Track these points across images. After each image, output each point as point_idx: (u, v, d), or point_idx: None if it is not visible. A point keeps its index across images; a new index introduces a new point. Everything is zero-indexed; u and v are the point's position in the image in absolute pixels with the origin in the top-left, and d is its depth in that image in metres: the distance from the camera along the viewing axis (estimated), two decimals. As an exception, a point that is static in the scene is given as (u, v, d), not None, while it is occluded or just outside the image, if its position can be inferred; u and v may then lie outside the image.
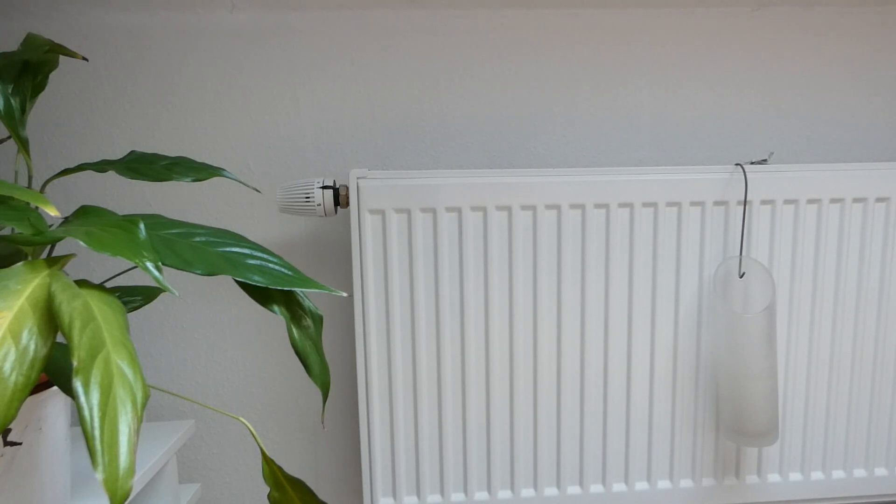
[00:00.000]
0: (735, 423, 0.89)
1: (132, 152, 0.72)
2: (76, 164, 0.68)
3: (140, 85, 0.93)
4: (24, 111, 0.66)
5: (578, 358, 0.89)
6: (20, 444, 0.57)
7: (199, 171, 0.69)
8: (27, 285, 0.47)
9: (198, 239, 0.61)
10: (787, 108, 1.00)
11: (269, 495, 0.68)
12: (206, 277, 0.97)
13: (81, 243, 0.49)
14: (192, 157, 0.72)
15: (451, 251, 0.86)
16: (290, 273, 0.62)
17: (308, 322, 0.65)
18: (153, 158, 0.70)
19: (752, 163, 0.91)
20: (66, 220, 0.59)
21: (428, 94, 0.96)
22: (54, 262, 0.52)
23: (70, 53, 0.68)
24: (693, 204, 0.88)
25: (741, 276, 0.89)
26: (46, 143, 0.93)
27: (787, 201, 0.89)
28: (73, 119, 0.93)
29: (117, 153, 0.93)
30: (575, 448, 0.92)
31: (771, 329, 0.86)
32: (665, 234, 0.88)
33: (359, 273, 0.85)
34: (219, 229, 0.64)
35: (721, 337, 0.89)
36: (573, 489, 0.93)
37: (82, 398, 0.42)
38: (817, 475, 0.96)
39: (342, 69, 0.94)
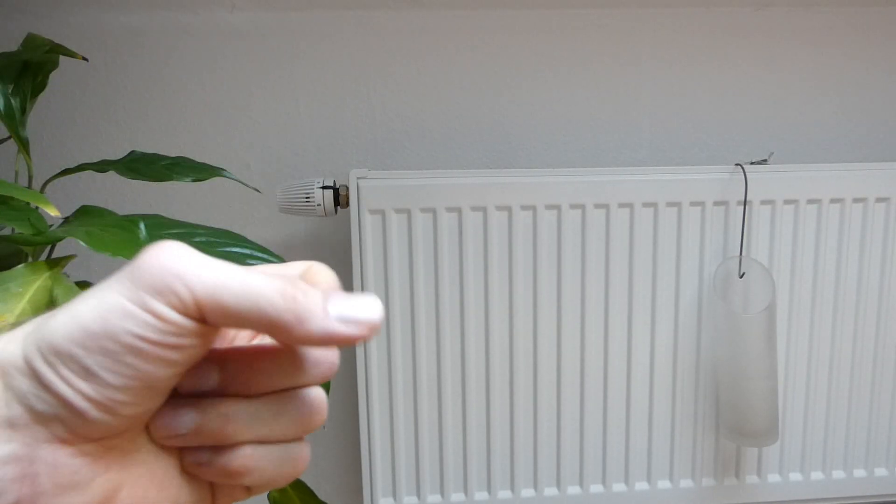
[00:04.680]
0: (735, 423, 0.89)
1: (132, 152, 0.72)
2: (76, 164, 0.68)
3: (140, 85, 0.93)
4: (24, 111, 0.66)
5: (578, 358, 0.89)
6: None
7: (199, 171, 0.69)
8: (28, 287, 0.47)
9: (198, 239, 0.61)
10: (787, 108, 1.00)
11: (268, 495, 0.68)
12: (206, 277, 0.97)
13: (82, 243, 0.49)
14: (192, 157, 0.72)
15: (451, 251, 0.86)
16: (290, 273, 0.62)
17: (308, 322, 0.65)
18: (153, 158, 0.70)
19: (752, 163, 0.91)
20: (67, 220, 0.59)
21: (428, 94, 0.96)
22: (55, 263, 0.52)
23: (70, 53, 0.68)
24: (693, 204, 0.88)
25: (741, 276, 0.89)
26: (46, 143, 0.93)
27: (787, 201, 0.89)
28: (73, 119, 0.93)
29: (117, 153, 0.93)
30: (575, 448, 0.92)
31: (771, 329, 0.86)
32: (665, 234, 0.88)
33: (359, 273, 0.85)
34: (219, 229, 0.64)
35: (721, 337, 0.88)
36: (573, 489, 0.93)
37: (83, 399, 0.42)
38: (817, 475, 0.96)
39: (342, 69, 0.94)
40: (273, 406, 0.24)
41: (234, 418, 0.24)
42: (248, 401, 0.24)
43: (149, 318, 0.21)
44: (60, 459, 0.22)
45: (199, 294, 0.21)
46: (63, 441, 0.22)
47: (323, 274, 0.27)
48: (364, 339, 0.23)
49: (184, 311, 0.21)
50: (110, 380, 0.21)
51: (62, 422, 0.21)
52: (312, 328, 0.22)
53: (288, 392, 0.25)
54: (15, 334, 0.23)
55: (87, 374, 0.21)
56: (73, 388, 0.21)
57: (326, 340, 0.23)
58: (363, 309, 0.23)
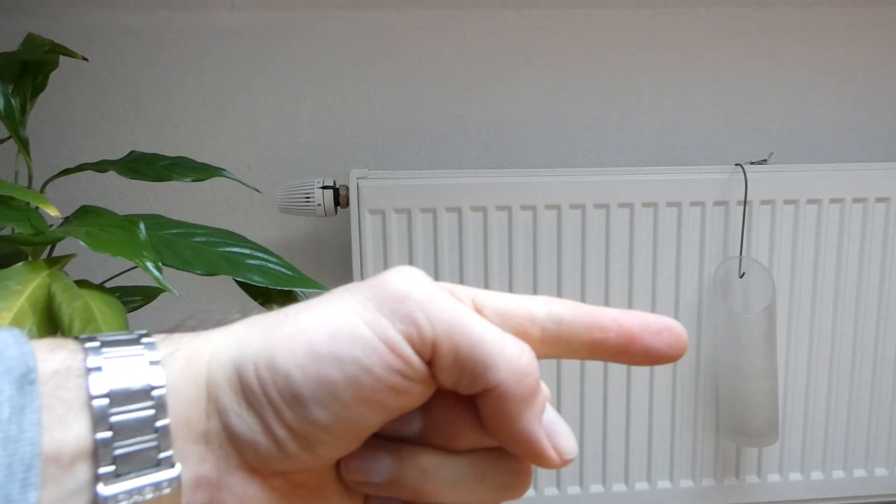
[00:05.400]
0: (735, 423, 0.89)
1: (132, 152, 0.72)
2: (76, 164, 0.68)
3: (140, 85, 0.93)
4: (24, 111, 0.66)
5: (578, 358, 0.89)
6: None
7: (199, 171, 0.69)
8: (27, 286, 0.47)
9: (198, 239, 0.61)
10: (787, 108, 1.00)
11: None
12: (206, 277, 0.97)
13: (81, 243, 0.49)
14: (192, 157, 0.72)
15: (451, 251, 0.86)
16: (290, 273, 0.62)
17: (308, 322, 0.65)
18: (153, 158, 0.70)
19: (752, 163, 0.91)
20: (67, 220, 0.59)
21: (428, 94, 0.96)
22: (54, 262, 0.52)
23: (70, 53, 0.68)
24: (693, 204, 0.88)
25: (741, 276, 0.89)
26: (46, 143, 0.93)
27: (787, 201, 0.89)
28: (73, 119, 0.93)
29: (117, 153, 0.93)
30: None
31: (771, 329, 0.86)
32: (665, 234, 0.88)
33: (359, 273, 0.85)
34: (219, 229, 0.64)
35: (721, 337, 0.88)
36: (573, 489, 0.93)
37: (82, 398, 0.42)
38: (817, 475, 0.96)
39: (342, 69, 0.94)
40: (477, 468, 0.22)
41: (435, 476, 0.21)
42: (451, 457, 0.22)
43: (381, 347, 0.19)
44: (249, 491, 0.20)
45: (440, 331, 0.19)
46: (253, 470, 0.20)
47: (569, 315, 0.23)
48: (551, 467, 0.20)
49: (419, 347, 0.19)
50: (317, 415, 0.19)
51: (256, 449, 0.19)
52: (524, 419, 0.20)
53: (493, 452, 0.22)
54: (231, 333, 0.21)
55: (297, 402, 0.19)
56: (278, 415, 0.19)
57: (523, 440, 0.20)
58: (570, 439, 0.21)
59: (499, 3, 0.94)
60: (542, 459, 0.20)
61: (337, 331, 0.19)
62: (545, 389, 0.21)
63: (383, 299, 0.20)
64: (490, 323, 0.20)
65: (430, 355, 0.20)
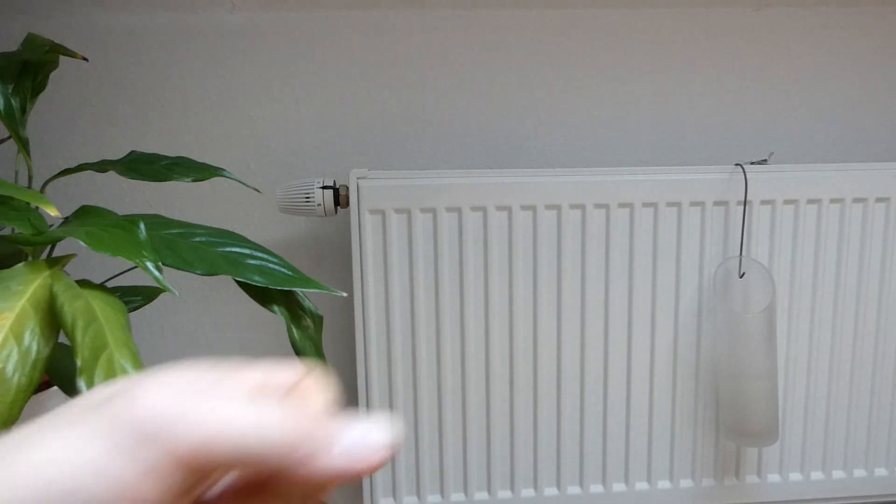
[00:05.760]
0: (735, 423, 0.89)
1: (132, 152, 0.72)
2: (76, 164, 0.68)
3: (140, 85, 0.93)
4: (24, 111, 0.66)
5: (578, 358, 0.89)
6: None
7: (199, 171, 0.69)
8: (28, 286, 0.47)
9: (198, 239, 0.61)
10: (787, 108, 1.00)
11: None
12: (206, 277, 0.97)
13: (82, 243, 0.49)
14: (192, 157, 0.72)
15: (451, 251, 0.86)
16: (290, 273, 0.62)
17: (308, 322, 0.65)
18: (153, 158, 0.70)
19: (752, 163, 0.91)
20: (67, 220, 0.59)
21: (428, 94, 0.96)
22: (55, 262, 0.52)
23: (70, 53, 0.68)
24: (693, 204, 0.88)
25: (741, 276, 0.89)
26: (46, 143, 0.92)
27: (787, 201, 0.89)
28: (73, 119, 0.93)
29: (117, 153, 0.93)
30: (575, 448, 0.92)
31: (771, 329, 0.86)
32: (665, 234, 0.88)
33: (359, 273, 0.85)
34: (219, 229, 0.64)
35: (721, 337, 0.88)
36: (573, 489, 0.93)
37: (83, 398, 0.42)
38: (817, 475, 0.96)
39: (342, 69, 0.94)
40: None
41: None
42: None
43: (122, 485, 0.17)
44: None
45: (197, 447, 0.18)
46: None
47: (316, 393, 0.23)
48: (374, 469, 0.20)
49: (170, 464, 0.18)
50: None
51: None
52: (318, 469, 0.20)
53: None
54: None
55: None
56: None
57: (333, 479, 0.20)
58: (374, 441, 0.20)
59: (499, 3, 0.94)
60: (362, 475, 0.20)
61: (74, 465, 0.17)
62: (325, 421, 0.20)
63: (127, 426, 0.18)
64: (261, 404, 0.20)
65: (195, 467, 0.18)
